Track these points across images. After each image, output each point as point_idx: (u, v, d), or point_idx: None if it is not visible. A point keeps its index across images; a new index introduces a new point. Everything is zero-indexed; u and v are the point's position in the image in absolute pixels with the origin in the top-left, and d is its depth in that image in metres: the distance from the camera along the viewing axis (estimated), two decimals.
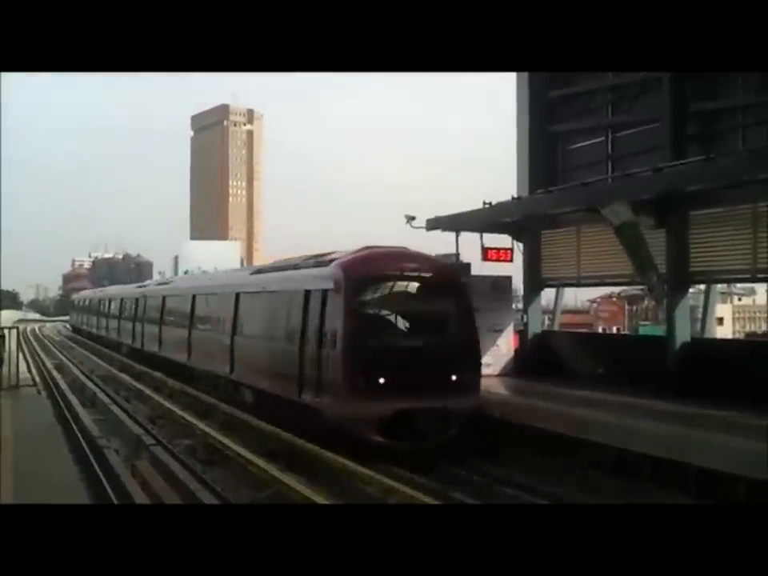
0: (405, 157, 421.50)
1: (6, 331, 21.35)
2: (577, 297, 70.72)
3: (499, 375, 18.87)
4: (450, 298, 14.01)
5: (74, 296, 74.38)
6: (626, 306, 69.87)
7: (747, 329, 71.30)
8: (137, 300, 36.02)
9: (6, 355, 19.24)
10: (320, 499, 10.02)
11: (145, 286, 41.41)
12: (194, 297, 25.73)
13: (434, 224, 18.24)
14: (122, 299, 41.73)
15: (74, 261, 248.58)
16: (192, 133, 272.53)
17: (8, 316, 72.68)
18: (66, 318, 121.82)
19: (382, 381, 13.07)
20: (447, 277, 14.41)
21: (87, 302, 59.27)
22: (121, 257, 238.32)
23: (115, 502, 10.86)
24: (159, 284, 37.15)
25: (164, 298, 30.35)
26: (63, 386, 25.26)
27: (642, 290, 35.25)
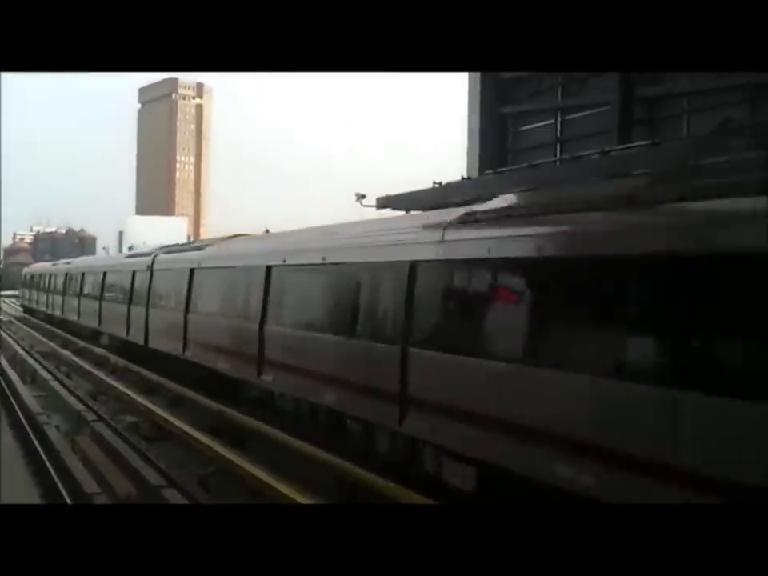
0: (356, 135, 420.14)
1: None
2: None
3: None
4: None
5: (25, 270, 56.56)
6: None
7: None
8: (134, 275, 23.99)
9: None
10: (301, 499, 10.01)
11: (135, 256, 28.06)
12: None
13: (384, 203, 18.24)
14: (105, 273, 29.08)
15: (14, 234, 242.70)
16: (139, 105, 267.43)
17: None
18: (6, 293, 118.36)
19: None
20: None
21: (47, 278, 42.15)
22: (64, 231, 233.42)
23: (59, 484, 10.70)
24: (163, 252, 22.97)
25: (192, 271, 18.22)
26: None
27: None
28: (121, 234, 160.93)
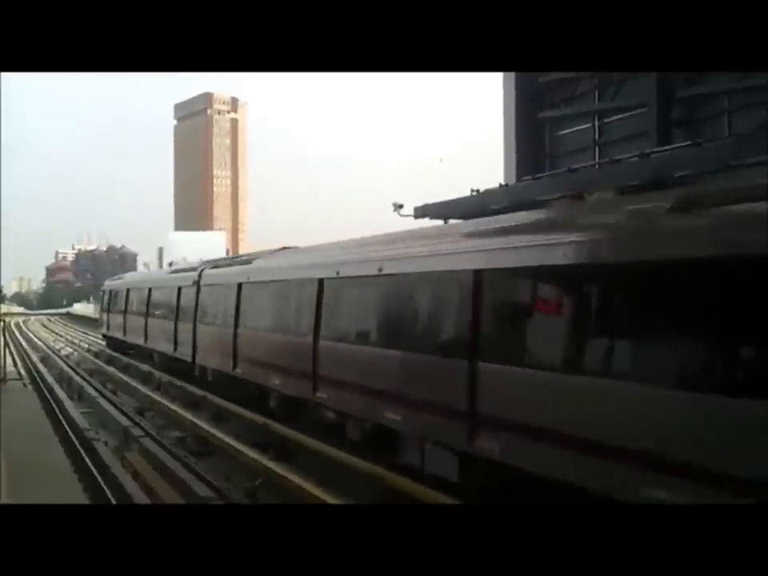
0: (393, 145, 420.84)
1: None
2: None
3: None
4: None
5: (108, 284, 41.24)
6: None
7: None
8: (179, 291, 23.00)
9: None
10: (310, 487, 10.04)
11: (179, 271, 26.13)
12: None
13: (422, 212, 18.23)
14: (150, 289, 27.75)
15: (57, 253, 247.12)
16: (175, 122, 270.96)
17: None
18: (49, 312, 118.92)
19: None
20: None
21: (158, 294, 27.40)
22: (105, 248, 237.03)
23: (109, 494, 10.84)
24: (210, 267, 21.68)
25: (240, 286, 17.50)
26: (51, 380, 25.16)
27: None
28: (161, 249, 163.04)
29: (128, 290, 32.96)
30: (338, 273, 12.73)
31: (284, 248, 18.62)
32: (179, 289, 23.36)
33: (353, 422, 12.09)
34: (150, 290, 28.33)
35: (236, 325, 17.25)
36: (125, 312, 32.35)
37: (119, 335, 32.92)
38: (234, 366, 17.13)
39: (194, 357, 20.86)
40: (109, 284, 42.00)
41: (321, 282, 13.15)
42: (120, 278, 40.75)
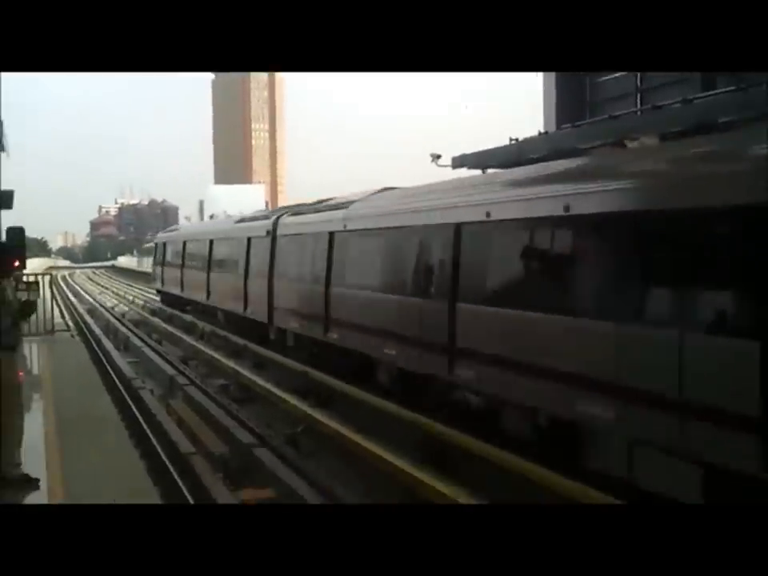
0: (430, 94, 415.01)
1: (39, 278, 21.69)
2: None
3: None
4: None
5: (162, 236, 39.97)
6: None
7: None
8: (249, 242, 21.05)
9: (40, 302, 19.57)
10: (386, 455, 10.20)
11: (247, 220, 23.89)
12: None
13: (460, 162, 18.07)
14: (211, 241, 25.89)
15: (100, 207, 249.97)
16: (213, 76, 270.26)
17: (38, 263, 73.52)
18: (94, 265, 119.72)
19: None
20: None
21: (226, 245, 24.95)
22: (146, 202, 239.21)
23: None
24: (289, 214, 19.54)
25: (332, 235, 15.18)
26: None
27: None
28: (201, 203, 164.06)
29: (185, 242, 30.88)
30: (488, 215, 9.91)
31: (386, 189, 15.32)
32: (249, 240, 20.95)
33: (511, 412, 9.60)
34: (211, 241, 25.94)
35: (328, 282, 14.82)
36: (182, 266, 30.10)
37: (176, 291, 30.98)
38: (327, 331, 14.77)
39: (270, 317, 18.68)
40: (162, 236, 39.66)
41: (458, 227, 10.45)
42: (175, 230, 39.17)
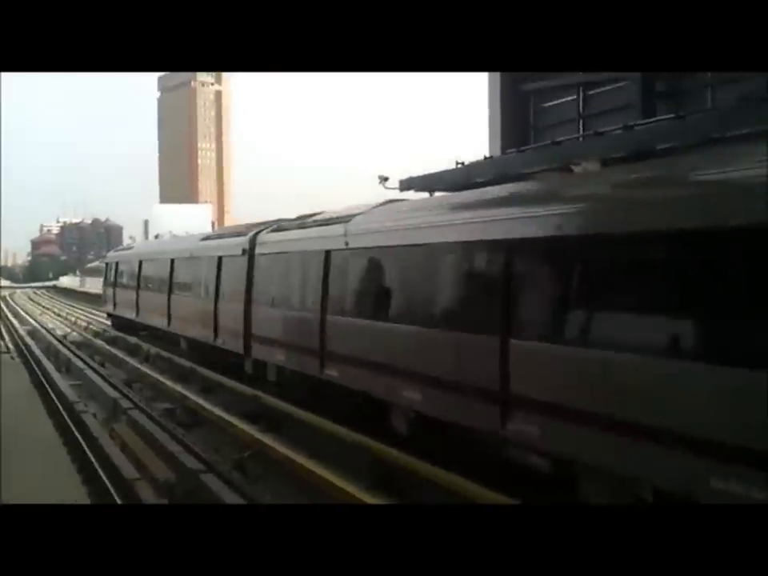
0: (376, 117, 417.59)
1: None
2: None
3: None
4: None
5: (114, 255, 36.95)
6: None
7: None
8: (220, 262, 18.84)
9: None
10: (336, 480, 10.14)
11: (215, 237, 22.02)
12: None
13: (408, 184, 18.21)
14: (172, 260, 23.60)
15: (42, 226, 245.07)
16: (159, 93, 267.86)
17: None
18: (35, 285, 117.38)
19: None
20: None
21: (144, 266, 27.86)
22: (89, 221, 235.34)
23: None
24: (268, 231, 16.97)
25: (328, 255, 13.19)
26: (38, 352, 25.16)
27: None
28: (146, 222, 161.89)
29: (141, 261, 28.29)
30: (559, 228, 7.87)
31: (391, 201, 13.49)
32: (219, 259, 18.78)
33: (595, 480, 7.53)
34: (172, 261, 23.64)
35: (323, 309, 12.64)
36: (138, 288, 27.63)
37: (130, 315, 28.31)
38: (323, 367, 12.54)
39: (246, 348, 16.34)
40: (114, 255, 36.36)
41: (511, 247, 8.45)
42: (129, 248, 35.58)
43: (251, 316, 16.11)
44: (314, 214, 15.88)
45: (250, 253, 16.69)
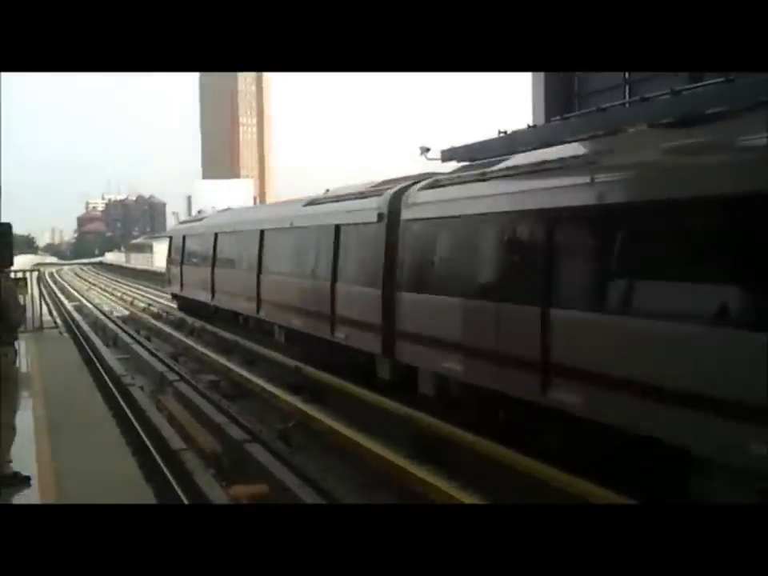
0: (418, 87, 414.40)
1: (27, 275, 21.54)
2: None
3: None
4: None
5: (179, 228, 33.20)
6: None
7: None
8: (337, 231, 14.45)
9: (28, 298, 19.43)
10: (378, 449, 10.19)
11: (329, 200, 16.29)
12: None
13: (450, 155, 18.04)
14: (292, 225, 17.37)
15: (87, 203, 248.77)
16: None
17: (26, 260, 73.05)
18: (82, 261, 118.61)
19: None
20: None
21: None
22: (134, 198, 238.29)
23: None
24: (424, 187, 12.18)
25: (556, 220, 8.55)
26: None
27: None
28: (189, 198, 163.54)
29: (217, 234, 23.69)
30: None
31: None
32: (337, 229, 14.39)
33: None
34: (261, 233, 19.01)
35: (546, 302, 8.38)
36: (213, 265, 23.43)
37: (202, 297, 24.35)
38: (546, 387, 8.29)
39: (387, 347, 12.09)
40: (182, 228, 31.57)
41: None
42: (199, 220, 29.68)
43: (395, 304, 11.87)
44: (500, 158, 11.24)
45: (390, 218, 12.42)
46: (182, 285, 27.88)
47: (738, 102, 12.31)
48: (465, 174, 11.57)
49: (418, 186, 12.29)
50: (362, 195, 14.27)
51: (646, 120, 13.71)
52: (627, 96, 18.46)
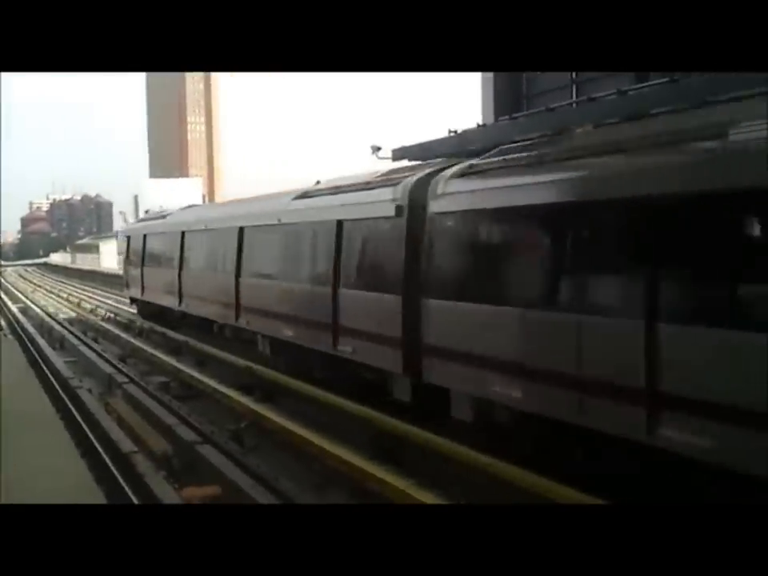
0: (368, 86, 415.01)
1: None
2: None
3: None
4: None
5: (136, 227, 30.96)
6: None
7: None
8: (340, 227, 12.10)
9: None
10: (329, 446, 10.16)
11: (332, 192, 13.47)
12: None
13: (401, 154, 18.13)
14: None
15: (31, 203, 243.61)
16: None
17: None
18: (26, 263, 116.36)
19: None
20: None
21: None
22: (79, 198, 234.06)
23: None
24: (454, 175, 9.88)
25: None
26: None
27: None
28: (136, 197, 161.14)
29: (184, 233, 21.22)
30: None
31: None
32: (339, 225, 12.17)
33: None
34: (241, 230, 16.62)
35: (653, 315, 6.52)
36: (179, 268, 21.18)
37: (168, 302, 22.18)
38: (654, 425, 6.47)
39: (408, 366, 10.06)
40: (139, 226, 29.21)
41: None
42: (162, 217, 25.87)
43: (421, 314, 9.77)
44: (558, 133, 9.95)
45: (413, 212, 10.31)
46: (142, 288, 25.17)
47: (681, 101, 12.57)
48: (514, 156, 9.17)
49: (448, 172, 10.03)
50: (368, 186, 12.07)
51: (592, 120, 13.93)
52: (575, 96, 18.73)
